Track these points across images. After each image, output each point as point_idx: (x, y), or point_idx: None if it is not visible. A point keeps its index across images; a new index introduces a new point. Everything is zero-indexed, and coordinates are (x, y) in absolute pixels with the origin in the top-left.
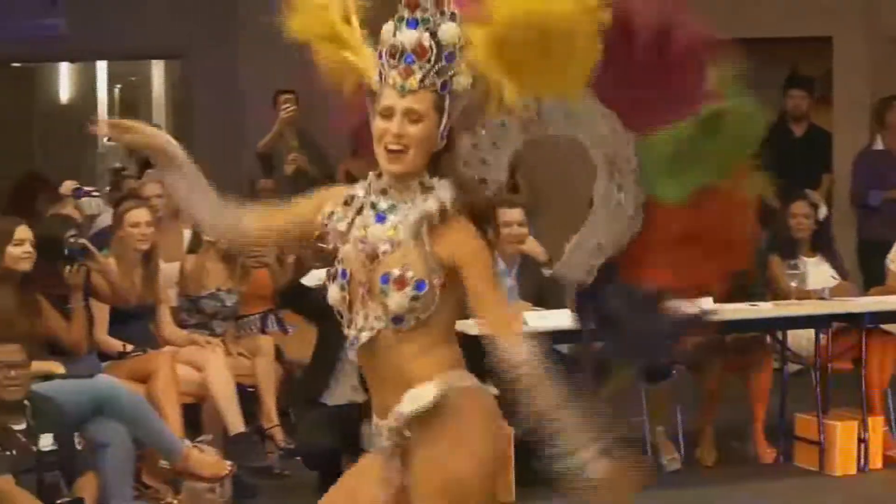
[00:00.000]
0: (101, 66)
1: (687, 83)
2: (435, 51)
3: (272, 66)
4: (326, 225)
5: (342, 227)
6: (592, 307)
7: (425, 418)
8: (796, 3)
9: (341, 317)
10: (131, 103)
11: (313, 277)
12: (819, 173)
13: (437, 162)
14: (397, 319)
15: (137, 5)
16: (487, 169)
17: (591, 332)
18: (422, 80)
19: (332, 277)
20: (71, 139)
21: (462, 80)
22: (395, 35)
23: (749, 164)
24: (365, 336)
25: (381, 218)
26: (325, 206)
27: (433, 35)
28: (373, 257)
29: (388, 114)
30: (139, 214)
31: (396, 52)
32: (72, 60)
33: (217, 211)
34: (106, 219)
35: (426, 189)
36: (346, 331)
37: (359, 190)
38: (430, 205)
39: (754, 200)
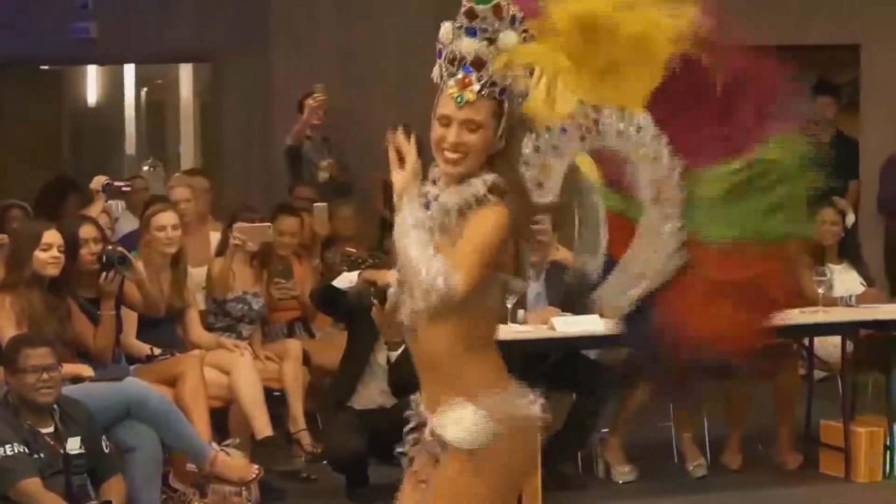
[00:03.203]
0: (129, 69)
1: (746, 124)
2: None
3: (301, 70)
4: None
5: None
6: (639, 331)
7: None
8: (824, 10)
9: None
10: (158, 106)
11: (344, 280)
12: (846, 180)
13: (493, 161)
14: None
15: (167, 9)
16: (548, 173)
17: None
18: (480, 91)
19: None
20: (99, 141)
21: (521, 82)
22: (453, 41)
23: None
24: (407, 318)
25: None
26: None
27: (492, 43)
28: None
29: (446, 122)
30: (165, 218)
31: (455, 60)
32: (101, 63)
33: None
34: (125, 223)
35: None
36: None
37: (429, 186)
38: (465, 194)
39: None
